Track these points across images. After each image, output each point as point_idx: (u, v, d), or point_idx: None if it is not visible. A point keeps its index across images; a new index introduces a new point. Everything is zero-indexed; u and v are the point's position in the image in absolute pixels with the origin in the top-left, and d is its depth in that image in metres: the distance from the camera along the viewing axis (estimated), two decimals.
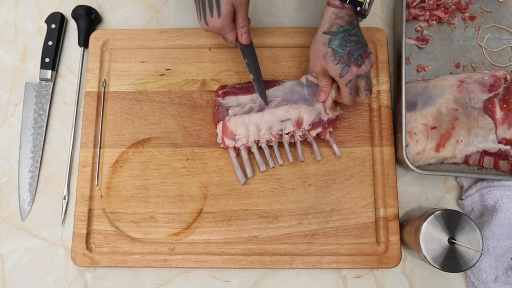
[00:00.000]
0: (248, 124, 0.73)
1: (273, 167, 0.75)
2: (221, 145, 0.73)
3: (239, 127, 0.72)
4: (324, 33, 0.65)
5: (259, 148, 0.74)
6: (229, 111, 0.74)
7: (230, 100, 0.75)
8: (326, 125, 0.73)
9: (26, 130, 0.79)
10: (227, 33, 0.69)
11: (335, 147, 0.74)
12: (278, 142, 0.74)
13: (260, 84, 0.74)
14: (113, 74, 0.80)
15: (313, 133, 0.73)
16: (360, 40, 0.66)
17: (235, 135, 0.72)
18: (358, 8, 0.64)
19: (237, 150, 0.74)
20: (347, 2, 0.63)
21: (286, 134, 0.73)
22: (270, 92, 0.75)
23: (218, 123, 0.74)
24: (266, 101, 0.74)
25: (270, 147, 0.75)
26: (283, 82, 0.75)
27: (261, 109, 0.74)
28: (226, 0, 0.65)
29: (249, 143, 0.73)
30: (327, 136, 0.74)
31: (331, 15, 0.65)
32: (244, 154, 0.73)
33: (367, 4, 0.64)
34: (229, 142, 0.73)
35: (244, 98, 0.75)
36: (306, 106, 0.73)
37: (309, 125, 0.72)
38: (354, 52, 0.64)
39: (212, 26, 0.67)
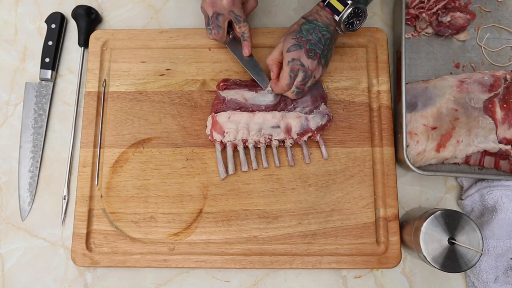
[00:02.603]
0: (238, 122, 0.73)
1: (266, 168, 0.75)
2: (209, 138, 0.74)
3: (229, 123, 0.73)
4: (302, 17, 0.71)
5: (245, 148, 0.75)
6: (225, 104, 0.75)
7: (228, 93, 0.75)
8: (316, 132, 0.74)
9: (26, 130, 0.79)
10: (238, 12, 0.70)
11: (323, 149, 0.75)
12: (267, 145, 0.75)
13: (258, 76, 0.76)
14: (113, 74, 0.80)
15: (304, 138, 0.74)
16: (324, 45, 0.69)
17: (224, 130, 0.73)
18: (336, 18, 0.68)
19: (223, 145, 0.74)
20: (325, 4, 0.69)
21: (276, 139, 0.74)
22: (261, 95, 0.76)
23: (211, 112, 0.75)
24: (264, 85, 0.75)
25: (257, 148, 0.75)
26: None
27: (252, 110, 0.74)
28: None
29: (236, 140, 0.73)
30: (317, 137, 0.74)
31: (314, 9, 0.71)
32: (229, 151, 0.74)
33: (344, 16, 0.67)
34: (217, 136, 0.73)
35: (242, 93, 0.75)
36: (292, 113, 0.74)
37: (297, 134, 0.73)
38: (313, 45, 0.68)
39: (225, 1, 0.68)
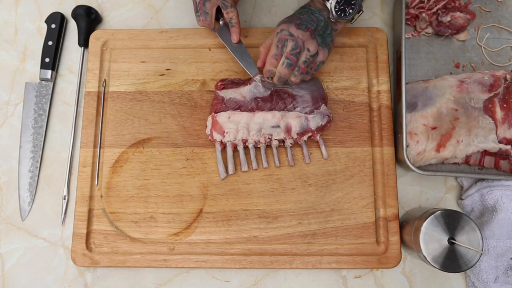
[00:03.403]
0: (238, 122, 0.73)
1: (266, 168, 0.75)
2: (209, 138, 0.74)
3: (229, 123, 0.73)
4: (300, 7, 0.72)
5: (245, 148, 0.75)
6: (224, 103, 0.75)
7: (227, 93, 0.75)
8: (316, 132, 0.74)
9: (26, 130, 0.79)
10: None
11: (323, 148, 0.75)
12: (267, 145, 0.75)
13: (246, 62, 0.76)
14: (113, 74, 0.80)
15: (304, 138, 0.74)
16: (317, 25, 0.68)
17: (224, 130, 0.73)
18: (327, 3, 0.68)
19: (223, 145, 0.74)
20: None
21: (276, 139, 0.74)
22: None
23: (211, 112, 0.75)
24: (252, 72, 0.75)
25: (257, 148, 0.75)
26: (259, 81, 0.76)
27: (252, 109, 0.74)
28: None
29: (236, 140, 0.73)
30: (317, 137, 0.74)
31: None
32: (229, 151, 0.74)
33: (334, 3, 0.67)
34: (217, 136, 0.73)
35: (239, 91, 0.75)
36: (292, 113, 0.74)
37: (297, 134, 0.73)
38: (303, 21, 0.68)
39: None
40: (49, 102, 0.80)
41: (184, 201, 0.74)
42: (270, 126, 0.73)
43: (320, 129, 0.74)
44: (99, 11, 0.85)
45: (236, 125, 0.73)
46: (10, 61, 0.84)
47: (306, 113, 0.74)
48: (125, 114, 0.78)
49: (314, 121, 0.73)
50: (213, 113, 0.74)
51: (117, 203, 0.74)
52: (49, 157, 0.79)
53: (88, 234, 0.73)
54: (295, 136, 0.73)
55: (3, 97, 0.82)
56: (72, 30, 0.85)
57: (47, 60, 0.81)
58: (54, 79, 0.82)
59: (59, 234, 0.76)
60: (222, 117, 0.74)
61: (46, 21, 0.83)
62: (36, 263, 0.75)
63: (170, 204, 0.74)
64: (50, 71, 0.81)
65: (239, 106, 0.75)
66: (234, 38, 0.76)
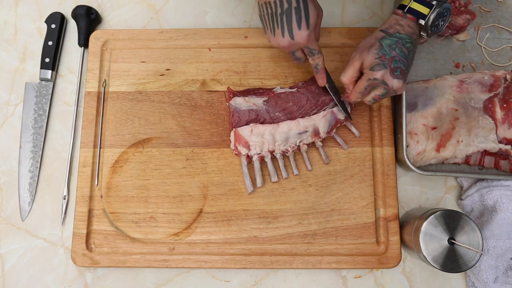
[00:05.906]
0: (262, 134, 0.72)
1: (297, 175, 0.74)
2: (234, 152, 0.73)
3: (253, 136, 0.72)
4: (381, 30, 0.65)
5: (273, 158, 0.74)
6: (240, 115, 0.73)
7: (236, 101, 0.73)
8: (343, 121, 0.74)
9: (26, 130, 0.79)
10: (313, 45, 0.65)
11: (340, 141, 0.75)
12: (294, 152, 0.74)
13: (341, 101, 0.73)
14: (113, 74, 0.80)
15: (333, 132, 0.74)
16: (408, 59, 0.64)
17: (249, 143, 0.72)
18: (421, 21, 0.64)
19: (249, 158, 0.73)
20: (406, 10, 0.64)
21: (305, 144, 0.73)
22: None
23: (231, 127, 0.73)
24: (349, 117, 0.74)
25: (286, 157, 0.75)
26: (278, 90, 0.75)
27: (273, 120, 0.73)
28: (313, 9, 0.62)
29: (263, 152, 0.72)
30: (332, 132, 0.74)
31: (392, 20, 0.65)
32: (256, 164, 0.73)
33: (431, 19, 0.63)
34: (243, 150, 0.72)
35: (251, 100, 0.74)
36: (316, 115, 0.73)
37: (326, 132, 0.73)
38: (398, 62, 0.62)
39: (301, 39, 0.63)
40: (49, 102, 0.80)
41: (184, 201, 0.74)
42: (297, 134, 0.72)
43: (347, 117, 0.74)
44: (99, 11, 0.85)
45: (260, 138, 0.72)
46: (10, 61, 0.84)
47: (331, 107, 0.74)
48: (125, 114, 0.78)
49: (341, 112, 0.74)
50: (234, 128, 0.73)
51: (117, 203, 0.74)
52: (49, 157, 0.79)
53: (88, 234, 0.73)
54: (324, 136, 0.73)
55: (3, 97, 0.82)
56: (72, 30, 0.85)
57: (47, 60, 0.81)
58: (54, 79, 0.82)
59: (59, 234, 0.76)
60: (245, 130, 0.72)
61: (46, 21, 0.83)
62: (36, 263, 0.75)
63: (170, 204, 0.74)
64: (50, 71, 0.81)
65: (257, 115, 0.73)
66: (321, 82, 0.72)
